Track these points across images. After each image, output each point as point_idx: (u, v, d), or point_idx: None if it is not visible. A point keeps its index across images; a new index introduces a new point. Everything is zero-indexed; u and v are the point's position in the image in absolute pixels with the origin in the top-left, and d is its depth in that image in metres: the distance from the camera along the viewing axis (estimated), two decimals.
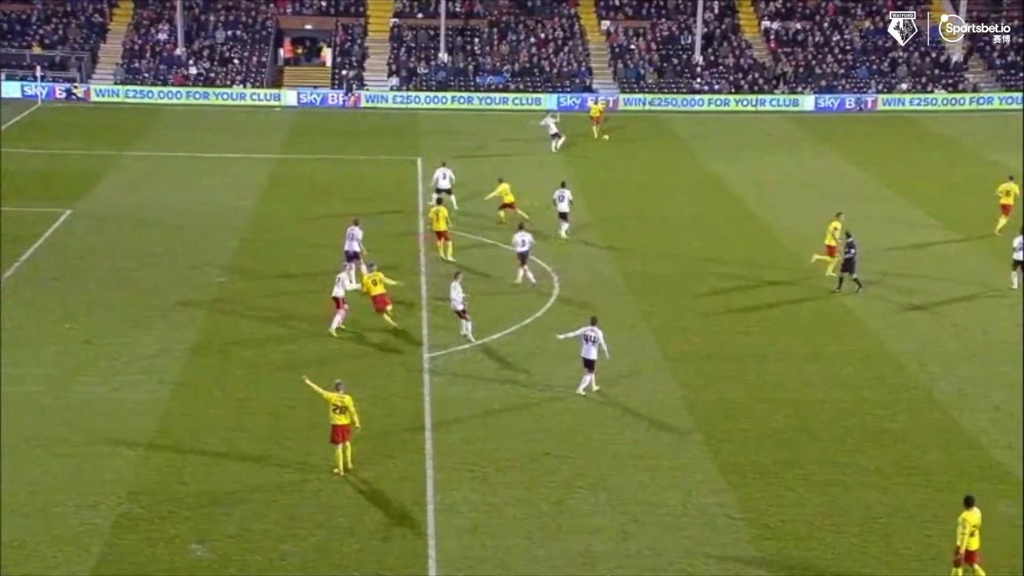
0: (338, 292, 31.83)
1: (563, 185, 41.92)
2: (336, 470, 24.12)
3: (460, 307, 31.40)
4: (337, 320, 31.80)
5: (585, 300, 35.28)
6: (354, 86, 70.84)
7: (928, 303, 35.87)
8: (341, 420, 24.05)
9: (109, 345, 31.15)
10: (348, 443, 24.24)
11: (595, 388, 28.33)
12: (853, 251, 35.57)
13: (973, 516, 20.06)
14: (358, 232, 35.86)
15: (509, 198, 42.22)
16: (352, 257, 35.50)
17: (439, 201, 40.37)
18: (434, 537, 22.00)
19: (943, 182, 53.04)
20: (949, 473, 24.92)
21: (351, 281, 32.94)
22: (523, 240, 35.89)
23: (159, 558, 21.16)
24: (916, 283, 37.75)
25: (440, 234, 38.53)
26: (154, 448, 25.32)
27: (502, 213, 42.32)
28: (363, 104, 70.06)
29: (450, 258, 38.01)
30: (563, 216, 41.31)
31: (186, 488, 23.61)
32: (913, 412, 28.13)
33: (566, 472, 24.63)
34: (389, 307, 32.00)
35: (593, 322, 28.43)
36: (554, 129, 57.36)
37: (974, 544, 20.02)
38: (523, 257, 35.91)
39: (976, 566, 20.15)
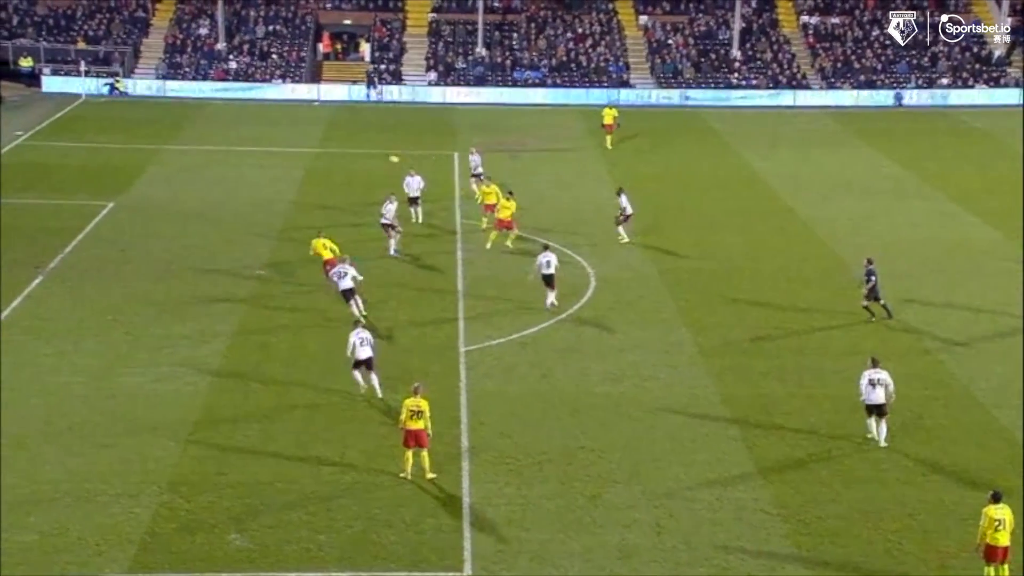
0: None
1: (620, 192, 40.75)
2: (403, 474, 23.69)
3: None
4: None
5: (620, 294, 35.34)
6: (376, 80, 70.82)
7: (966, 299, 35.61)
8: (415, 424, 23.48)
9: (150, 336, 31.51)
10: (424, 449, 23.54)
11: (884, 440, 25.61)
12: (874, 278, 32.76)
13: (995, 511, 19.87)
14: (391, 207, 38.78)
15: (491, 199, 40.67)
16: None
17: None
18: (470, 530, 22.14)
19: (983, 178, 52.53)
20: (987, 469, 24.74)
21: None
22: (547, 262, 33.52)
23: (198, 547, 21.41)
24: (954, 279, 37.51)
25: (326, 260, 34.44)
26: (194, 439, 25.62)
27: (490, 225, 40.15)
28: (401, 99, 70.29)
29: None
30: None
31: (225, 478, 23.86)
32: (950, 408, 27.97)
33: (601, 466, 24.71)
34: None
35: (874, 364, 25.79)
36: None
37: (1003, 540, 19.81)
38: (549, 280, 33.63)
39: (1005, 565, 19.89)
